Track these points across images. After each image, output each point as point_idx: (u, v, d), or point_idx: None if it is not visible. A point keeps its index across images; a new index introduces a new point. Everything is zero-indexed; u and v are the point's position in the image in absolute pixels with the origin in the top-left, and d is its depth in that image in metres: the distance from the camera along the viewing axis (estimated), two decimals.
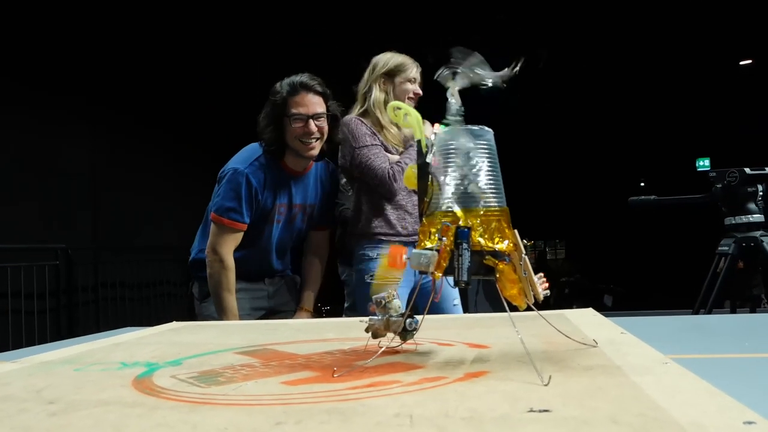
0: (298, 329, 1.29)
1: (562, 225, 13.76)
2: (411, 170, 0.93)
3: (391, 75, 2.43)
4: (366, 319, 0.93)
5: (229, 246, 2.08)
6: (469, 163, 0.83)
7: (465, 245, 0.77)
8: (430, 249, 0.80)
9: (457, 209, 0.81)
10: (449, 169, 0.83)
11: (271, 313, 2.26)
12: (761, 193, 2.18)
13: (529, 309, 0.84)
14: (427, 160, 0.86)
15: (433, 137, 0.87)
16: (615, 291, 10.92)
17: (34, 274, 5.57)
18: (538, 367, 0.70)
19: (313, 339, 1.12)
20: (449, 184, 0.83)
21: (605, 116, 11.31)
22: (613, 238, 12.51)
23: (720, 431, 0.48)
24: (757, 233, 2.20)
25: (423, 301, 2.34)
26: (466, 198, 0.81)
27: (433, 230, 0.82)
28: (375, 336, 0.92)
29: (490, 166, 0.83)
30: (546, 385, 0.66)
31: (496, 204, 0.81)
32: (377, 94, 2.39)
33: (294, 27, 7.67)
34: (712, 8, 8.22)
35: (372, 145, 2.30)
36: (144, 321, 6.79)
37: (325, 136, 2.08)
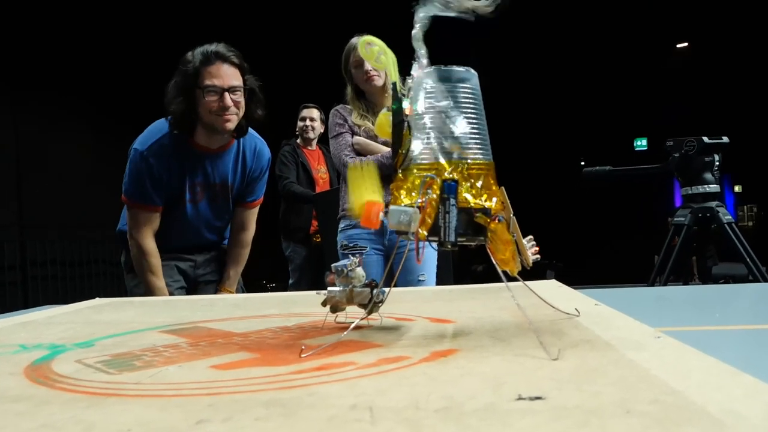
0: (237, 304, 1.15)
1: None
2: (384, 117, 0.81)
3: (346, 66, 2.39)
4: (323, 291, 0.80)
5: (146, 229, 1.95)
6: (451, 110, 0.71)
7: (452, 201, 0.66)
8: (409, 206, 0.68)
9: (439, 161, 0.69)
10: (428, 117, 0.71)
11: (195, 283, 2.12)
12: (717, 163, 2.15)
13: (513, 279, 0.73)
14: (403, 105, 0.74)
15: (410, 80, 0.75)
16: (557, 266, 11.12)
17: None
18: (543, 341, 0.60)
19: (252, 315, 0.99)
20: (429, 133, 0.71)
21: (545, 95, 11.41)
22: (554, 214, 12.73)
23: (764, 421, 0.38)
24: (713, 203, 2.18)
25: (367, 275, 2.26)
26: (449, 149, 0.70)
27: (409, 185, 0.70)
28: (334, 310, 0.80)
29: (475, 114, 0.71)
30: (555, 359, 0.56)
31: (482, 156, 0.70)
32: (348, 89, 2.44)
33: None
34: None
35: (338, 134, 2.40)
36: (77, 300, 6.47)
37: (242, 111, 1.91)
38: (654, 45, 10.41)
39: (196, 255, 2.12)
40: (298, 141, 4.31)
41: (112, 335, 0.84)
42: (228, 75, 1.85)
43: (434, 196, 0.68)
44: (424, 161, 0.70)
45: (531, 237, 1.91)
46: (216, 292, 2.17)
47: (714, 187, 2.15)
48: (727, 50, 9.70)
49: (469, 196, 0.69)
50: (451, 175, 0.69)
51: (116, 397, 0.51)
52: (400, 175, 0.73)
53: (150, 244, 1.95)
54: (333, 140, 2.43)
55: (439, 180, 0.68)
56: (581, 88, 11.26)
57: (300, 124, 4.28)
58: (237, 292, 2.21)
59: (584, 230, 12.29)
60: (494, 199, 0.70)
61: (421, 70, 0.75)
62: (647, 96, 11.10)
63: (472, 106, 0.72)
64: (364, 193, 0.76)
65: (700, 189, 2.14)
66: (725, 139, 2.12)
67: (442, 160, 0.70)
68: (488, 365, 0.56)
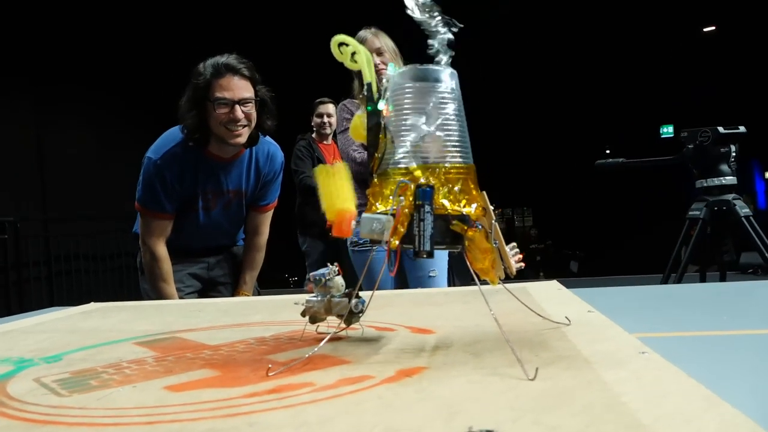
0: (225, 310, 1.13)
1: (529, 192, 13.78)
2: (359, 119, 0.77)
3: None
4: (302, 299, 0.77)
5: (157, 236, 1.94)
6: (429, 111, 0.67)
7: (427, 208, 0.62)
8: (383, 213, 0.65)
9: (415, 165, 0.65)
10: (405, 118, 0.67)
11: (210, 284, 2.11)
12: (734, 154, 2.06)
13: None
14: (379, 107, 0.70)
15: (386, 80, 0.71)
16: (580, 257, 10.97)
17: None
18: (521, 357, 0.57)
19: (235, 323, 0.96)
20: (405, 135, 0.67)
21: (570, 84, 11.23)
22: (579, 205, 12.56)
23: None
24: (730, 196, 2.08)
25: (375, 273, 2.22)
26: (426, 152, 0.66)
27: (386, 191, 0.67)
28: (313, 320, 0.77)
29: (454, 115, 0.67)
30: (532, 379, 0.53)
31: (461, 160, 0.66)
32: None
33: None
34: None
35: (345, 129, 2.32)
36: (101, 295, 6.54)
37: (254, 123, 1.88)
38: (680, 30, 10.17)
39: (209, 257, 2.11)
40: (314, 135, 4.30)
41: (84, 347, 0.82)
42: (239, 87, 1.83)
43: (406, 203, 0.64)
44: (400, 165, 0.67)
45: (514, 244, 1.84)
46: (232, 296, 2.15)
47: (730, 179, 2.05)
48: (755, 33, 9.43)
49: (446, 202, 0.65)
50: (427, 180, 0.65)
51: (53, 426, 0.49)
52: (376, 180, 0.69)
53: (161, 250, 1.94)
54: (341, 135, 2.39)
55: (412, 186, 0.65)
56: (605, 76, 11.06)
57: (317, 120, 4.27)
58: (252, 295, 2.20)
59: (609, 219, 12.12)
60: (474, 205, 0.66)
61: (397, 69, 0.72)
62: (673, 82, 10.86)
63: (451, 107, 0.68)
64: (335, 199, 0.73)
65: (716, 181, 2.05)
66: (742, 128, 2.02)
67: (418, 165, 0.66)
68: (451, 387, 0.53)
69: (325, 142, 4.31)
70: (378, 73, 2.29)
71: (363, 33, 2.26)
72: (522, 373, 0.55)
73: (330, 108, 4.25)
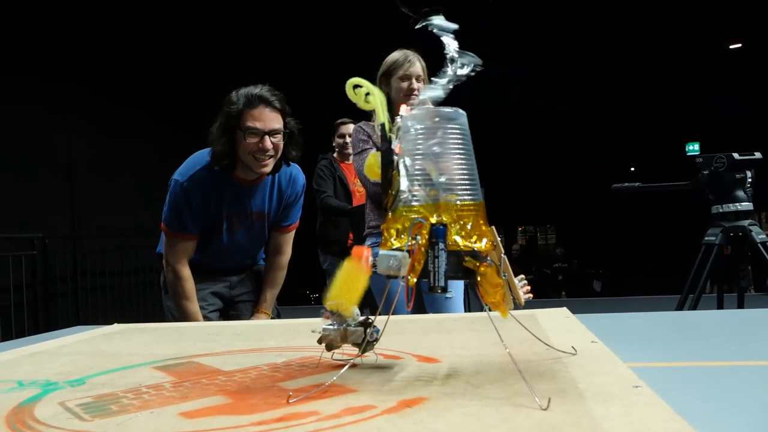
0: (240, 334, 1.17)
1: (552, 210, 13.71)
2: (373, 158, 0.81)
3: (388, 75, 2.33)
4: (318, 327, 0.80)
5: (181, 256, 2.01)
6: (440, 150, 0.71)
7: (441, 245, 0.65)
8: (398, 249, 0.68)
9: (427, 203, 0.69)
10: (417, 157, 0.71)
11: (231, 303, 2.16)
12: (750, 180, 2.06)
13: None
14: (392, 146, 0.74)
15: (399, 120, 0.75)
16: (603, 276, 10.88)
17: (10, 265, 5.38)
18: (533, 388, 0.59)
19: (250, 348, 1.00)
20: (417, 174, 0.70)
21: (596, 102, 11.21)
22: (603, 223, 12.47)
23: None
24: (746, 222, 2.08)
25: (393, 295, 2.24)
26: (438, 190, 0.69)
27: (399, 227, 0.70)
28: (329, 348, 0.80)
29: (464, 153, 0.70)
30: (545, 410, 0.56)
31: (471, 197, 0.69)
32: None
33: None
34: None
35: (362, 150, 2.35)
36: (126, 311, 6.64)
37: (280, 153, 1.95)
38: (706, 47, 10.11)
39: (231, 276, 2.17)
40: (335, 155, 4.36)
41: (106, 371, 0.86)
42: (270, 119, 1.89)
43: (423, 242, 0.67)
44: (413, 203, 0.70)
45: (522, 276, 1.86)
46: (252, 314, 2.20)
47: (746, 205, 2.04)
48: None
49: (458, 239, 0.68)
50: (439, 218, 0.68)
51: None
52: (390, 216, 0.73)
53: (185, 270, 2.01)
54: (357, 157, 2.43)
55: (427, 224, 0.68)
56: (631, 93, 11.02)
57: (339, 141, 4.34)
58: (272, 313, 2.24)
59: (634, 238, 12.00)
60: (484, 240, 0.69)
61: (409, 110, 0.75)
62: (699, 100, 10.78)
63: (460, 146, 0.72)
64: (343, 291, 0.74)
65: (732, 207, 2.05)
66: (758, 154, 2.02)
67: (431, 202, 0.69)
68: (447, 420, 0.55)
69: (346, 162, 4.37)
70: (412, 97, 2.31)
71: (406, 54, 2.28)
72: (517, 406, 0.58)
73: (351, 128, 4.31)
